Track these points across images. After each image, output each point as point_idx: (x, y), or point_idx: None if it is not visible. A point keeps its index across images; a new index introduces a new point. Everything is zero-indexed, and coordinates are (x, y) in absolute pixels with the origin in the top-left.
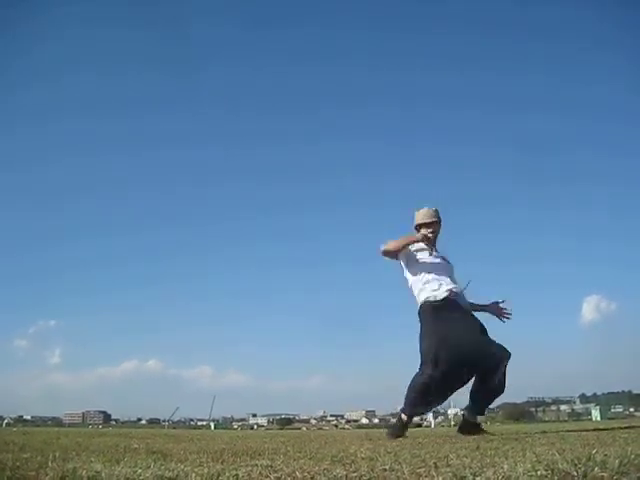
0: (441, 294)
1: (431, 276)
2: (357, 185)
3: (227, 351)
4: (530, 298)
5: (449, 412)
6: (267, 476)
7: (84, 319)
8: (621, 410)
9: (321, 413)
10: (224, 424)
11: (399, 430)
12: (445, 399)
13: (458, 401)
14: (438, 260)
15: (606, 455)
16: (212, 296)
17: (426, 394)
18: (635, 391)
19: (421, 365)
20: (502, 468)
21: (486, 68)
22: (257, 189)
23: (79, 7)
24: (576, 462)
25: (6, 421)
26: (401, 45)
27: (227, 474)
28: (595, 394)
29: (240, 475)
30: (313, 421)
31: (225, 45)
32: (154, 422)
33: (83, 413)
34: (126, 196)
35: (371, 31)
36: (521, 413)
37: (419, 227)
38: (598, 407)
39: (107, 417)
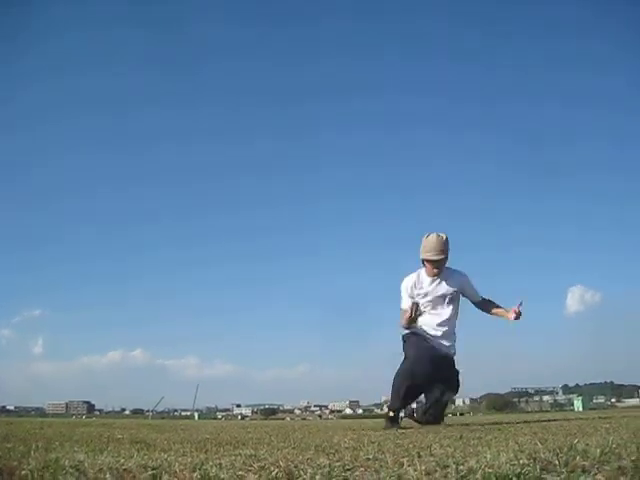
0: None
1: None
2: (355, 181)
3: (212, 341)
4: (513, 288)
5: None
6: (251, 465)
7: (69, 309)
8: (603, 401)
9: (305, 403)
10: (208, 414)
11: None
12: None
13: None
14: (433, 299)
15: (587, 444)
16: (199, 286)
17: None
18: (617, 382)
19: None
20: (485, 457)
21: (486, 62)
22: (250, 183)
23: (79, 7)
24: (558, 451)
25: None
26: (401, 39)
27: (210, 463)
28: (577, 385)
29: (223, 464)
30: (297, 411)
31: (224, 43)
32: (138, 412)
33: (67, 403)
34: (117, 191)
35: (370, 26)
36: (504, 403)
37: (424, 261)
38: (580, 398)
39: (91, 407)
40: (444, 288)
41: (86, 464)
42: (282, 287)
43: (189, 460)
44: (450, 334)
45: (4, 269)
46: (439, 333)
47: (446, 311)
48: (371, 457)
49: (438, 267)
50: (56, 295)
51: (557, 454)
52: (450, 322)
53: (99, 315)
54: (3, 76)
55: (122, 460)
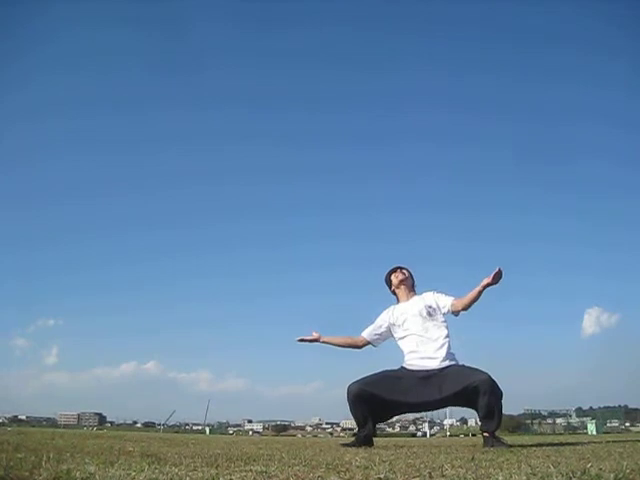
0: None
1: (409, 347)
2: (354, 189)
3: (225, 355)
4: (530, 309)
5: (445, 422)
6: None
7: (84, 319)
8: (617, 425)
9: (317, 421)
10: (219, 429)
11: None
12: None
13: (454, 412)
14: (412, 320)
15: (601, 469)
16: (213, 299)
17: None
18: (631, 406)
19: None
20: (497, 479)
21: (486, 71)
22: (259, 189)
23: (79, 6)
24: (571, 475)
25: (0, 421)
26: (399, 47)
27: (221, 479)
28: (591, 408)
29: None
30: (308, 428)
31: (225, 44)
32: (149, 425)
33: (78, 414)
34: (127, 195)
35: (372, 32)
36: (517, 425)
37: (390, 275)
38: (594, 421)
39: (102, 419)
40: (418, 304)
41: (97, 476)
42: (296, 301)
43: (200, 475)
44: (438, 349)
45: (19, 278)
46: (425, 352)
47: (429, 328)
48: (382, 476)
49: (404, 274)
50: (70, 305)
51: (570, 478)
52: (437, 341)
53: (113, 325)
54: (2, 75)
55: (133, 473)
